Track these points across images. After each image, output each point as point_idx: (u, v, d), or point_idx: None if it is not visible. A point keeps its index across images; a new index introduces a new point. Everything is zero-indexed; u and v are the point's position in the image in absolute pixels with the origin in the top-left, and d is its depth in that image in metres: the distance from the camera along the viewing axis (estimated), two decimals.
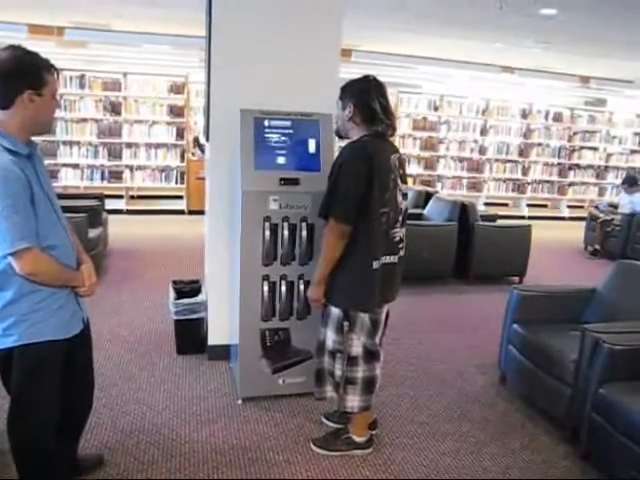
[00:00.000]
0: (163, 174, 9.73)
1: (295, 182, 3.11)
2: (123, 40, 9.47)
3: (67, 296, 2.13)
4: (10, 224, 1.87)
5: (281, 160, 3.16)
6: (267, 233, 3.11)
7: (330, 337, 2.77)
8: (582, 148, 12.09)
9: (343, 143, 2.77)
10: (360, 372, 2.76)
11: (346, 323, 2.71)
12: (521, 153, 11.62)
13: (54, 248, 2.04)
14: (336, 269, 2.65)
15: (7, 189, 1.86)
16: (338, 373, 2.79)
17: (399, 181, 2.67)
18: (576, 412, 2.98)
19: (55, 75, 2.04)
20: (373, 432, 3.03)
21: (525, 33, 8.22)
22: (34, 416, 2.14)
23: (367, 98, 2.61)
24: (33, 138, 2.10)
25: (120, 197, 9.46)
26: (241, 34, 3.48)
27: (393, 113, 2.72)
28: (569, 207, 12.07)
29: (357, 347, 2.73)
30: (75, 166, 9.34)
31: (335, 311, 2.73)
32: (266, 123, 3.17)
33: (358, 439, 2.90)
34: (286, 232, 3.13)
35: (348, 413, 2.90)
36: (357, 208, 2.53)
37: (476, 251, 6.18)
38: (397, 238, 2.70)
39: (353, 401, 2.79)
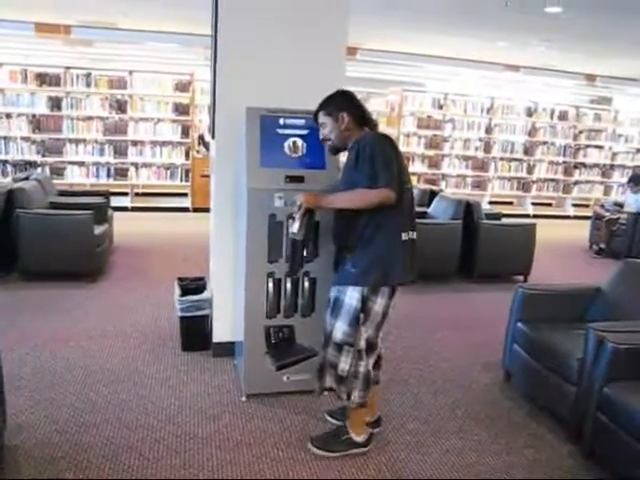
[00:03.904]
0: (168, 172, 9.77)
1: (300, 180, 3.11)
2: (129, 38, 9.53)
3: None
4: None
5: (286, 157, 3.16)
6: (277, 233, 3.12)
7: (340, 329, 2.72)
8: (587, 146, 12.07)
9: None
10: (362, 366, 2.75)
11: (362, 315, 2.68)
12: (526, 151, 11.60)
13: None
14: (365, 244, 2.64)
15: None
16: (342, 366, 2.75)
17: None
18: (580, 411, 2.97)
19: None
20: (377, 429, 3.04)
21: (530, 31, 8.22)
22: None
23: (355, 103, 2.80)
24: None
25: (125, 194, 9.50)
26: (247, 32, 3.49)
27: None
28: (574, 206, 12.05)
29: (363, 340, 2.73)
30: (81, 164, 9.37)
31: (352, 303, 2.67)
32: (272, 121, 3.18)
33: (358, 438, 2.87)
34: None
35: (345, 408, 2.89)
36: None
37: (481, 249, 6.17)
38: (415, 215, 2.79)
39: (355, 396, 2.77)
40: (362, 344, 2.73)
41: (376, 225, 2.61)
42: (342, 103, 2.77)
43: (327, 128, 2.79)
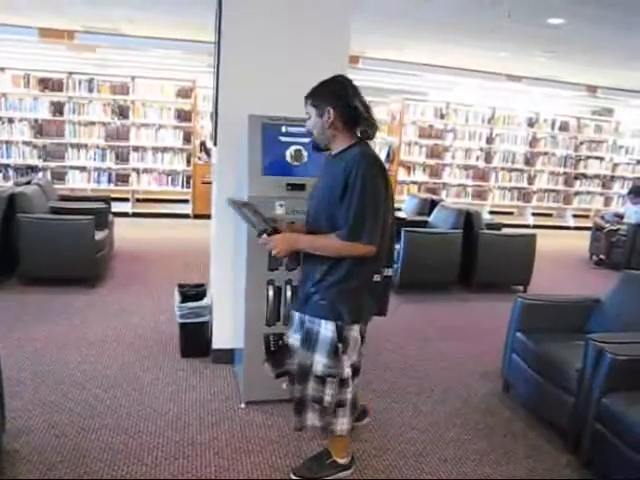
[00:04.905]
0: (169, 178, 9.80)
1: (302, 187, 3.12)
2: (132, 44, 9.56)
3: None
4: None
5: (288, 165, 3.18)
6: None
7: (320, 362, 2.51)
8: (588, 157, 12.11)
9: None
10: (349, 393, 2.60)
11: (340, 345, 2.48)
12: (527, 162, 11.63)
13: None
14: (335, 280, 2.44)
15: None
16: (328, 399, 2.54)
17: None
18: (579, 421, 2.97)
19: None
20: (365, 421, 3.07)
21: (532, 42, 8.25)
22: None
23: (346, 98, 2.37)
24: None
25: (126, 200, 9.52)
26: (250, 40, 3.51)
27: (372, 111, 2.46)
28: (574, 216, 12.07)
29: (348, 368, 2.57)
30: (82, 169, 9.41)
31: (327, 334, 2.50)
32: (274, 129, 3.19)
33: (342, 461, 2.75)
34: None
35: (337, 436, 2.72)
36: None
37: (481, 259, 6.18)
38: (394, 251, 2.67)
39: (343, 424, 2.62)
40: (347, 372, 2.56)
41: (348, 265, 2.40)
42: (332, 96, 2.38)
43: (311, 121, 2.46)
